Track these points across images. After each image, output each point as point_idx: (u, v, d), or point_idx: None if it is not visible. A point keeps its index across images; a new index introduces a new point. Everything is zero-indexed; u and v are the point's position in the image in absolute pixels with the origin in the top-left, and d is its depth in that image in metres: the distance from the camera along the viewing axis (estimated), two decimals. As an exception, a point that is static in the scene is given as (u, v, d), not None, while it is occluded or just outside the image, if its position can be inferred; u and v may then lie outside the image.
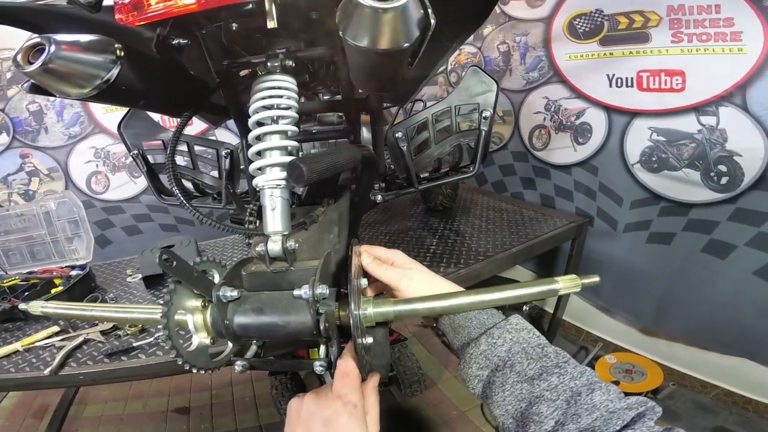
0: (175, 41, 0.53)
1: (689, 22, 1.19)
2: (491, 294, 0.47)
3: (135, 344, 1.04)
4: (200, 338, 0.46)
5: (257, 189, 0.54)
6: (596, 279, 0.48)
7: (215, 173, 0.90)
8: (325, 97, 0.83)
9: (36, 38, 0.41)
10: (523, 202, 1.84)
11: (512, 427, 0.44)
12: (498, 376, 0.45)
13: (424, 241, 1.49)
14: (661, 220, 1.41)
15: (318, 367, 0.46)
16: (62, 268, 1.38)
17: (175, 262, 0.40)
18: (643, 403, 0.39)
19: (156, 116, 1.00)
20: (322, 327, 0.44)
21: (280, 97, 0.55)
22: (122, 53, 0.47)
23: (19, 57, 0.41)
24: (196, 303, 0.46)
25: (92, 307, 0.59)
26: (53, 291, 1.27)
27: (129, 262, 1.63)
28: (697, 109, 1.22)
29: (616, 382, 1.47)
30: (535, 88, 1.67)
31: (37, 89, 0.47)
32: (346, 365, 0.46)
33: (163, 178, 0.96)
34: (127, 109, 0.94)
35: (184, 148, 0.91)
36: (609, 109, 1.43)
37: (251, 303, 0.46)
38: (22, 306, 0.60)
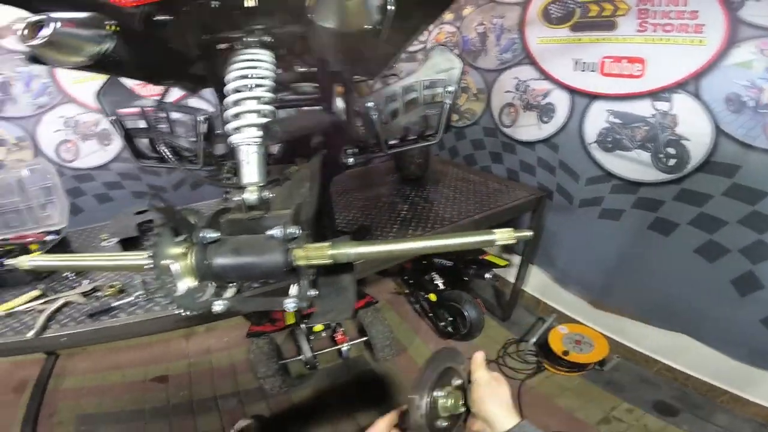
0: (158, 18, 0.58)
1: (656, 12, 1.25)
2: (436, 241, 0.53)
3: (114, 304, 1.07)
4: (186, 283, 0.50)
5: (233, 147, 0.58)
6: (529, 233, 0.53)
7: (192, 139, 0.93)
8: (301, 69, 0.86)
9: (38, 16, 0.47)
10: (490, 175, 1.95)
11: None
12: None
13: (396, 206, 1.61)
14: (612, 197, 1.51)
15: (289, 304, 0.50)
16: (37, 234, 1.38)
17: (162, 203, 0.44)
18: None
19: (130, 85, 1.01)
20: (290, 261, 0.48)
21: (256, 68, 0.61)
22: (115, 29, 0.53)
23: (26, 32, 0.47)
24: (179, 250, 0.50)
25: (82, 257, 0.62)
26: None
27: (102, 228, 1.63)
28: (653, 94, 1.30)
29: (566, 352, 1.57)
30: (508, 68, 1.75)
31: (35, 60, 0.52)
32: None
33: (138, 142, 0.99)
34: (106, 77, 0.97)
35: (161, 114, 0.93)
36: (572, 91, 1.51)
37: (229, 245, 0.50)
38: (9, 262, 0.62)
